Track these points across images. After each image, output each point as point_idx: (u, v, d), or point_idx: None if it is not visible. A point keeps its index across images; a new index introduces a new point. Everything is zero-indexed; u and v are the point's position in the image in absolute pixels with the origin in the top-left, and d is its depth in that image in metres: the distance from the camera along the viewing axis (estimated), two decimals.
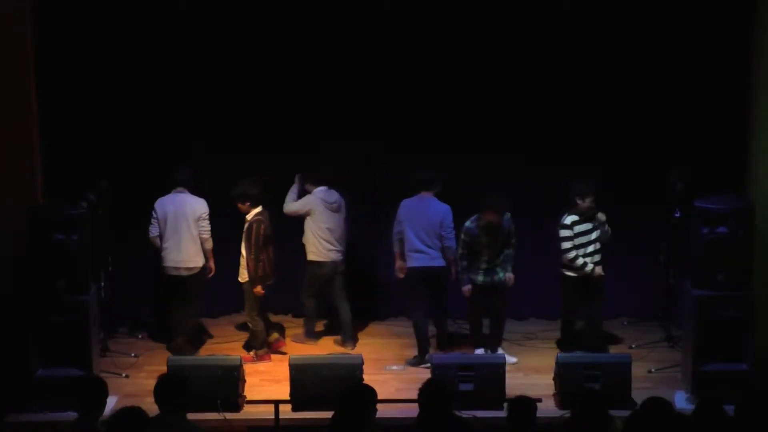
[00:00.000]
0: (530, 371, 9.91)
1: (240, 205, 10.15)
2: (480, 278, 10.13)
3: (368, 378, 8.94)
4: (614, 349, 10.40)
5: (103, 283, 10.01)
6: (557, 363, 9.17)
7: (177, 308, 10.25)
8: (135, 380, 9.65)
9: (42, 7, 9.84)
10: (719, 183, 9.77)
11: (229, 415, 8.69)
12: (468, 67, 11.06)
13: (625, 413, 6.17)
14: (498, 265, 10.13)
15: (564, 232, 9.97)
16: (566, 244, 9.96)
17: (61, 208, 9.21)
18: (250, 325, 10.33)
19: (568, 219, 9.97)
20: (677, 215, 10.09)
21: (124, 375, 9.80)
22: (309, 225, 10.52)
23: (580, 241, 10.00)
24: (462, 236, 10.07)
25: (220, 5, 10.83)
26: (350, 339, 10.74)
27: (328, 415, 6.23)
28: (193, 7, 10.76)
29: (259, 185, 10.18)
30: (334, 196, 10.59)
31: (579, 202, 9.92)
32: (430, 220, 10.12)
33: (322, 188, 10.55)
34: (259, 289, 10.10)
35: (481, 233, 10.02)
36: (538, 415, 6.48)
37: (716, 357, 9.04)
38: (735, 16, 10.13)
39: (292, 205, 10.59)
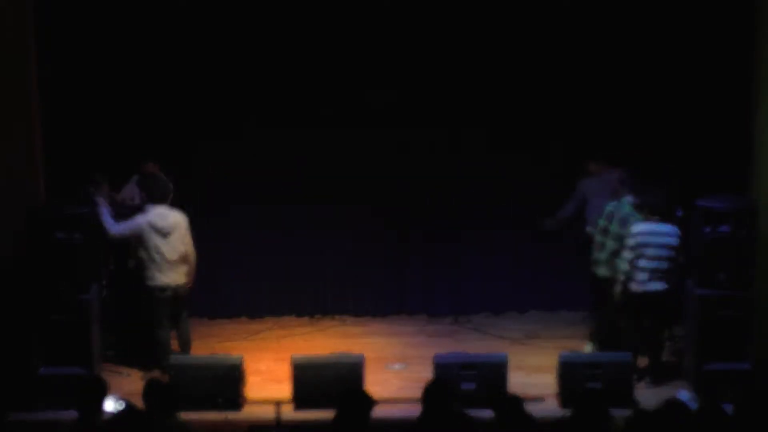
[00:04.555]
0: (532, 370, 9.90)
1: None
2: None
3: (370, 377, 8.96)
4: None
5: (104, 282, 10.01)
6: (559, 362, 9.16)
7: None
8: (136, 379, 9.64)
9: (44, 6, 9.83)
10: (722, 182, 9.76)
11: (231, 414, 8.69)
12: (468, 71, 11.10)
13: (627, 412, 6.18)
14: None
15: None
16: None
17: (63, 208, 9.22)
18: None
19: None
20: (679, 214, 10.08)
21: (125, 373, 9.80)
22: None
23: None
24: None
25: (220, 4, 10.82)
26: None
27: (329, 414, 6.22)
28: (192, 6, 10.76)
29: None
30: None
31: None
32: None
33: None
34: None
35: None
36: (538, 414, 6.47)
37: (719, 356, 9.04)
38: (737, 14, 10.13)
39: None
